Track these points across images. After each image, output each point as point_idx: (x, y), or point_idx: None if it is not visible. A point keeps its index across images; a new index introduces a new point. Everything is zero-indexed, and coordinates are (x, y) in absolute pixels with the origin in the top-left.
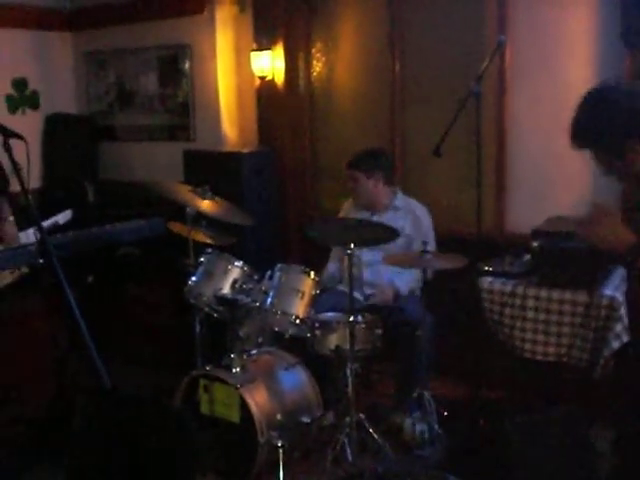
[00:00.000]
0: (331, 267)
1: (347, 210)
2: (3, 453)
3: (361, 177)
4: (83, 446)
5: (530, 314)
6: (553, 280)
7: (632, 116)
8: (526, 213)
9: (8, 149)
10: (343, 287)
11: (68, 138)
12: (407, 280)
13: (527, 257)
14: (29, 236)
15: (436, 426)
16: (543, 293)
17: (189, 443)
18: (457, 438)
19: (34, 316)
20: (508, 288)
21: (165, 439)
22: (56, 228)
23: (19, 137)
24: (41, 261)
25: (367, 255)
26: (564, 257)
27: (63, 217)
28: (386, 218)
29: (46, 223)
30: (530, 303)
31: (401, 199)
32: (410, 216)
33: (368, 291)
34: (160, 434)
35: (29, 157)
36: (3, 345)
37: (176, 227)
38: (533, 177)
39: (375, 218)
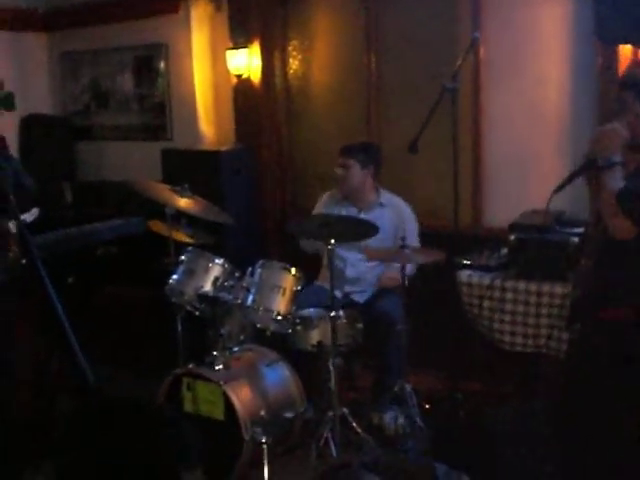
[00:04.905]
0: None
1: (328, 204)
2: None
3: (355, 166)
4: (67, 446)
5: (508, 306)
6: (530, 272)
7: None
8: (503, 207)
9: None
10: (323, 283)
11: (44, 139)
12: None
13: (504, 250)
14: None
15: (418, 419)
16: (521, 285)
17: (175, 440)
18: (439, 430)
19: (15, 317)
20: (486, 281)
21: (150, 437)
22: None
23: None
24: (23, 261)
25: (350, 254)
26: (541, 250)
27: (30, 215)
28: (373, 215)
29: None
30: (508, 295)
31: (385, 196)
32: (396, 213)
33: (348, 288)
34: (145, 433)
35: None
36: None
37: (156, 226)
38: (509, 171)
39: (363, 215)
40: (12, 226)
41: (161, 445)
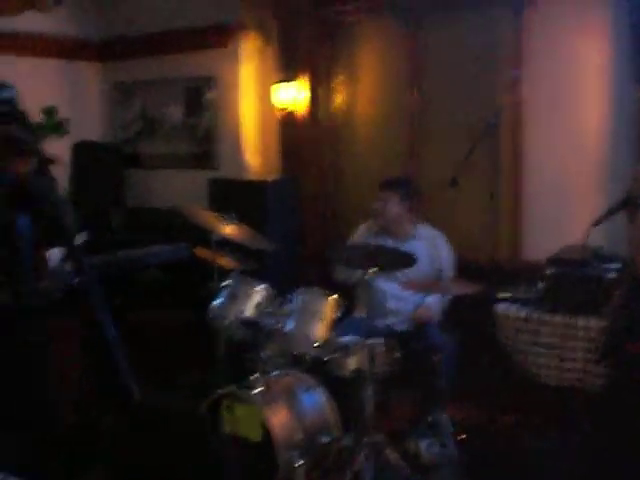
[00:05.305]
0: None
1: (365, 235)
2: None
3: (394, 199)
4: (114, 458)
5: (544, 340)
6: (566, 306)
7: None
8: (542, 241)
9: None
10: (362, 315)
11: (95, 165)
12: (436, 301)
13: (541, 284)
14: (55, 255)
15: (453, 448)
16: (557, 319)
17: (214, 459)
18: (474, 460)
19: (64, 334)
20: (522, 314)
21: (192, 455)
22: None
23: (53, 161)
24: (77, 281)
25: (390, 286)
26: (577, 284)
27: (79, 239)
28: (409, 246)
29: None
30: (544, 329)
31: (422, 228)
32: (432, 244)
33: (391, 320)
34: (187, 450)
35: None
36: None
37: (201, 252)
38: (548, 206)
39: (399, 245)
40: (53, 255)
41: (203, 464)
